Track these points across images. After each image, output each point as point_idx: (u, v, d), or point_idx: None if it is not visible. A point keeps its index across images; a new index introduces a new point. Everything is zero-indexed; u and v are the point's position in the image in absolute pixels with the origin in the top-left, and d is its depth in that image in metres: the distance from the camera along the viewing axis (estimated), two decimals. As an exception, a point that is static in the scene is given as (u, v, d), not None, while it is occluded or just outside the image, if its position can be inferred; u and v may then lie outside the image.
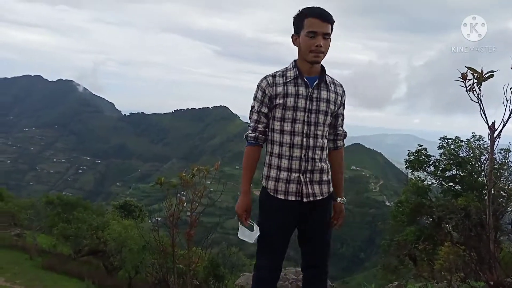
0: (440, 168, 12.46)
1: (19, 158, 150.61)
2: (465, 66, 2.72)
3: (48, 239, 24.81)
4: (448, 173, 12.42)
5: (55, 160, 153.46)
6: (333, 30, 2.34)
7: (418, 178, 12.66)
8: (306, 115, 2.32)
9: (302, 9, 2.31)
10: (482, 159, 11.65)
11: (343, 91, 2.47)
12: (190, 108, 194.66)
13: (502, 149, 11.13)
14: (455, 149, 12.20)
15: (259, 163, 2.51)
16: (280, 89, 2.34)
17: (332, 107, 2.38)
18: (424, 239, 11.08)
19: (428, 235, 11.24)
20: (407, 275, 10.85)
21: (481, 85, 2.88)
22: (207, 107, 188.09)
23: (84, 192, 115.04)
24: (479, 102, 2.80)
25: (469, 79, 2.89)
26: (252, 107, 2.43)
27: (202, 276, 9.37)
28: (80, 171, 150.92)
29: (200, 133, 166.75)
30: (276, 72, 2.40)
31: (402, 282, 3.28)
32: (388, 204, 76.90)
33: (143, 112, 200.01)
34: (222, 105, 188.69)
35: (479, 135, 11.80)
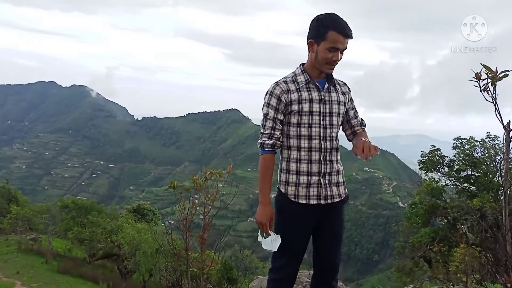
0: (455, 169, 12.30)
1: (35, 163, 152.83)
2: (481, 64, 2.69)
3: (63, 243, 25.10)
4: (462, 174, 12.25)
5: (69, 164, 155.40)
6: None
7: (432, 179, 12.51)
8: (321, 118, 2.37)
9: (326, 19, 2.27)
10: (497, 159, 11.48)
11: (348, 88, 2.56)
12: (201, 111, 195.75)
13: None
14: (470, 149, 12.03)
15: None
16: (294, 95, 2.36)
17: (342, 108, 2.46)
18: (439, 240, 10.94)
19: (443, 236, 11.10)
20: (422, 277, 10.73)
21: (495, 84, 2.84)
22: (219, 111, 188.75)
23: (98, 196, 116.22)
24: (494, 102, 2.77)
25: (483, 79, 2.85)
26: (266, 114, 2.41)
27: (215, 279, 9.38)
28: (94, 175, 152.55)
29: (212, 136, 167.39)
30: (286, 78, 2.41)
31: (417, 285, 3.23)
32: (402, 205, 76.17)
33: (155, 116, 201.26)
34: (234, 108, 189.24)
35: (494, 135, 11.63)
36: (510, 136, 2.79)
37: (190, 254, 5.33)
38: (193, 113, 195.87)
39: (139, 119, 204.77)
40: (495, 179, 11.24)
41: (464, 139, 12.30)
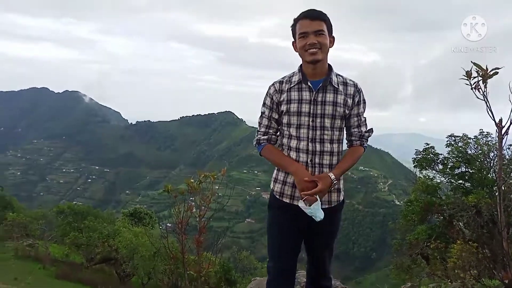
0: (449, 166, 12.37)
1: (29, 169, 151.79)
2: (471, 62, 2.71)
3: (61, 249, 24.99)
4: (457, 171, 12.32)
5: (64, 170, 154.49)
6: (332, 28, 2.31)
7: (427, 177, 12.58)
8: (311, 119, 2.28)
9: (294, 18, 2.33)
10: (491, 156, 11.56)
11: (357, 90, 2.35)
12: (196, 114, 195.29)
13: (510, 145, 11.04)
14: (463, 146, 12.10)
15: (269, 165, 2.48)
16: (284, 95, 2.32)
17: (340, 109, 2.29)
18: (436, 237, 11.00)
19: (439, 233, 11.16)
20: (420, 274, 10.77)
21: (486, 82, 2.87)
22: (213, 113, 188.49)
23: (94, 201, 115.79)
24: (485, 99, 2.79)
25: (474, 77, 2.87)
26: (262, 112, 2.42)
27: (214, 281, 9.37)
28: (89, 180, 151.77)
29: (207, 139, 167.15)
30: (284, 77, 2.38)
31: (416, 283, 3.25)
32: (398, 203, 76.46)
33: (149, 120, 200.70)
34: (228, 110, 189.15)
35: (487, 132, 11.70)
36: (502, 133, 2.82)
37: (187, 257, 5.32)
38: (187, 116, 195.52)
39: (133, 123, 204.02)
40: (489, 175, 11.32)
41: (457, 136, 12.38)
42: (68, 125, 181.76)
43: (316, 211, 2.22)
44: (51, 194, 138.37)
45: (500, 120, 2.85)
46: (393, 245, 14.33)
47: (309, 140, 2.28)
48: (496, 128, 2.96)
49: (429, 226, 11.98)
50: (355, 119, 2.38)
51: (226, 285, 8.85)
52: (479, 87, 2.90)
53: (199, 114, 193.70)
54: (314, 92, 2.29)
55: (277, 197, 2.35)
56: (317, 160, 2.28)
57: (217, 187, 5.21)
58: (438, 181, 12.67)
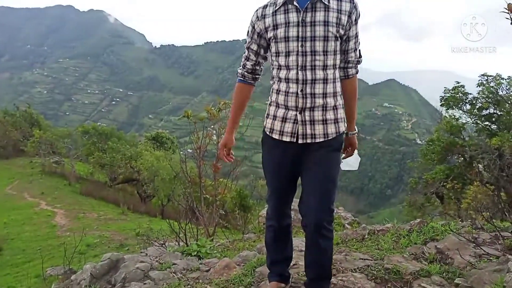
0: (477, 107, 12.00)
1: (55, 88, 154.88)
2: (513, -5, 2.47)
3: (85, 167, 26.10)
4: (485, 112, 11.97)
5: (89, 91, 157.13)
6: None
7: (453, 116, 12.27)
8: (300, 44, 2.00)
9: None
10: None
11: (354, 6, 2.04)
12: (220, 40, 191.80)
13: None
14: (495, 86, 11.63)
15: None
16: (268, 20, 2.06)
17: (333, 29, 2.00)
18: (453, 178, 10.96)
19: (457, 174, 11.10)
20: (433, 213, 10.91)
21: (529, 16, 2.62)
22: (238, 40, 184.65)
23: (117, 123, 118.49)
24: (525, 35, 2.58)
25: (516, 10, 2.63)
26: (245, 42, 2.20)
27: (230, 206, 9.69)
28: (113, 102, 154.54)
29: (231, 67, 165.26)
30: (270, 0, 2.10)
31: (426, 220, 3.26)
32: (420, 142, 75.82)
33: (173, 44, 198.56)
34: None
35: (522, 73, 11.16)
36: (539, 73, 2.63)
37: (204, 181, 5.43)
38: (211, 41, 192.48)
39: (157, 46, 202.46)
40: (518, 118, 10.98)
41: (490, 76, 11.85)
42: (93, 45, 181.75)
43: (355, 163, 2.27)
44: (76, 114, 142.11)
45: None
46: (409, 183, 14.40)
47: (299, 68, 2.02)
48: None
49: (448, 166, 11.90)
50: (353, 41, 2.09)
51: (241, 211, 9.16)
52: (520, 22, 2.65)
53: (224, 40, 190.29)
54: (302, 12, 2.00)
55: (267, 133, 2.16)
56: (308, 90, 2.02)
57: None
58: (464, 121, 12.38)
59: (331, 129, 2.08)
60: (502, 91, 11.59)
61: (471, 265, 2.37)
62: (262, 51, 2.15)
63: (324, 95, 2.05)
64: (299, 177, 2.19)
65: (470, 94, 12.11)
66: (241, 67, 2.22)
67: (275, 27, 2.03)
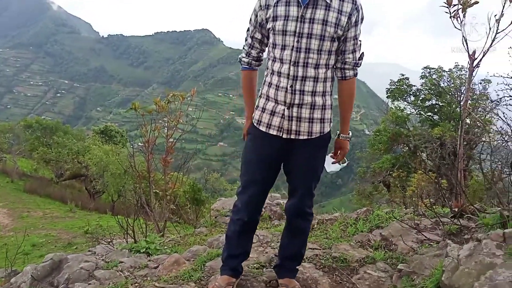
0: (420, 98, 12.55)
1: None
2: (451, -9, 2.58)
3: (29, 163, 24.84)
4: (427, 103, 12.53)
5: (32, 82, 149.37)
6: None
7: (398, 108, 12.76)
8: (296, 40, 2.00)
9: None
10: (462, 90, 11.74)
11: (355, 7, 2.02)
12: (171, 30, 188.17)
13: (482, 80, 11.18)
14: (437, 79, 12.20)
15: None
16: (270, 11, 2.05)
17: (330, 29, 1.99)
18: (399, 167, 11.43)
19: (403, 163, 11.58)
20: (380, 201, 11.33)
21: (465, 11, 2.75)
22: (189, 30, 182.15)
23: (63, 117, 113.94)
24: (462, 29, 2.69)
25: (454, 5, 2.74)
26: (247, 29, 2.19)
27: (182, 200, 9.57)
28: (58, 94, 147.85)
29: (182, 58, 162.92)
30: None
31: (372, 208, 3.37)
32: (368, 133, 78.47)
33: (122, 34, 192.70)
34: (205, 28, 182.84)
35: (462, 65, 11.77)
36: (473, 65, 2.77)
37: (154, 176, 5.32)
38: (162, 32, 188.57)
39: (104, 36, 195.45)
40: (457, 109, 11.57)
41: (433, 68, 12.41)
42: (35, 35, 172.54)
43: (342, 166, 2.33)
44: (18, 107, 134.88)
45: (474, 52, 2.79)
46: (358, 172, 14.88)
47: (291, 63, 2.02)
48: (468, 59, 2.90)
49: (394, 156, 12.40)
50: (352, 42, 2.08)
51: (193, 205, 9.06)
52: (458, 16, 2.77)
53: (174, 31, 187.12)
54: (303, 7, 2.00)
55: (255, 124, 2.17)
56: (297, 87, 2.04)
57: (190, 109, 5.08)
58: (408, 112, 12.90)
59: (316, 128, 2.10)
60: (443, 83, 12.18)
61: (413, 251, 2.47)
62: (265, 40, 2.15)
63: (313, 93, 2.06)
64: (278, 172, 2.23)
65: (414, 86, 12.64)
66: (245, 56, 2.22)
67: (275, 18, 2.02)
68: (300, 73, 2.02)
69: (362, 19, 2.06)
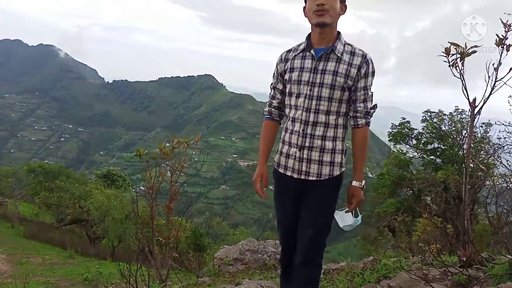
0: (422, 141, 12.58)
1: (0, 125, 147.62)
2: (449, 42, 2.66)
3: (30, 208, 24.66)
4: (429, 147, 12.55)
5: (36, 127, 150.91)
6: None
7: (400, 151, 12.77)
8: (309, 88, 2.21)
9: None
10: (463, 133, 11.79)
11: (365, 61, 2.22)
12: (175, 76, 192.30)
13: (483, 123, 11.24)
14: (438, 122, 12.28)
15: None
16: (288, 64, 2.30)
17: (340, 79, 2.19)
18: (404, 211, 11.28)
19: (407, 207, 11.45)
20: (386, 246, 11.11)
21: (464, 60, 2.82)
22: (192, 76, 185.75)
23: (67, 161, 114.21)
24: (461, 78, 2.76)
25: (453, 54, 2.82)
26: (271, 83, 2.44)
27: (184, 246, 9.43)
28: (62, 139, 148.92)
29: (185, 102, 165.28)
30: (295, 45, 2.36)
31: (378, 257, 3.31)
32: (371, 175, 78.04)
33: (126, 80, 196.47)
34: (208, 73, 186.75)
35: (462, 109, 11.88)
36: (475, 113, 2.81)
37: (156, 222, 5.27)
38: (166, 77, 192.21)
39: (109, 82, 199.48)
40: (460, 152, 11.57)
41: (433, 112, 12.53)
42: (41, 81, 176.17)
43: (354, 225, 2.34)
44: (22, 152, 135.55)
45: (474, 100, 2.84)
46: (362, 216, 14.67)
47: (304, 109, 2.23)
48: (469, 107, 2.95)
49: (398, 199, 12.27)
50: (362, 92, 2.25)
51: (195, 251, 8.92)
52: (456, 64, 2.85)
53: (178, 76, 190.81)
54: (316, 60, 2.22)
55: (275, 167, 2.38)
56: (309, 131, 2.23)
57: (193, 152, 5.12)
58: (411, 156, 12.90)
59: (325, 170, 2.25)
60: (444, 127, 12.24)
61: (423, 303, 2.40)
62: (285, 90, 2.34)
63: (323, 138, 2.24)
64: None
65: (416, 129, 12.70)
66: (267, 106, 2.45)
67: (292, 70, 2.27)
68: (311, 119, 2.22)
69: (373, 72, 2.27)
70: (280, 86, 2.38)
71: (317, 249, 2.28)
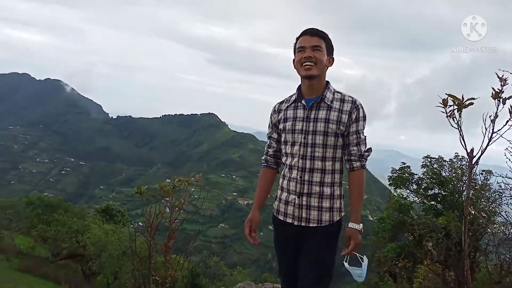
0: (423, 187, 12.56)
1: (1, 156, 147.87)
2: (446, 94, 2.77)
3: (27, 241, 24.35)
4: (430, 192, 12.51)
5: (38, 160, 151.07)
6: (333, 49, 2.35)
7: (401, 195, 12.73)
8: (303, 136, 2.28)
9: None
10: (463, 179, 11.79)
11: (355, 106, 2.28)
12: (178, 113, 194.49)
13: (483, 170, 11.26)
14: (438, 168, 12.30)
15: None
16: (281, 114, 2.39)
17: (332, 126, 2.25)
18: (405, 256, 11.12)
19: (408, 252, 11.29)
20: (386, 293, 10.87)
21: (461, 111, 2.91)
22: (195, 114, 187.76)
23: (66, 194, 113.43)
24: (459, 128, 2.84)
25: (450, 105, 2.92)
26: (267, 132, 2.53)
27: (181, 285, 9.27)
28: (63, 172, 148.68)
29: (187, 139, 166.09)
30: (287, 97, 2.45)
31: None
32: (371, 219, 77.22)
33: (130, 116, 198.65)
34: (211, 112, 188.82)
35: (462, 156, 11.92)
36: (473, 163, 2.87)
37: (154, 260, 5.24)
38: (169, 114, 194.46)
39: (113, 117, 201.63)
40: (460, 198, 11.54)
41: (433, 158, 12.58)
42: (46, 114, 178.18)
43: (364, 271, 2.31)
44: (22, 184, 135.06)
45: (472, 150, 2.90)
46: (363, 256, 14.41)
47: (300, 157, 2.28)
48: (467, 156, 3.01)
49: (399, 244, 12.11)
50: (354, 136, 2.31)
51: (192, 291, 8.77)
52: (454, 115, 2.94)
53: (182, 114, 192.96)
54: (307, 110, 2.30)
55: (274, 214, 2.41)
56: (306, 177, 2.27)
57: (193, 190, 5.16)
58: (411, 200, 12.83)
59: (325, 216, 2.28)
60: (445, 173, 12.25)
61: None
62: (281, 139, 2.43)
63: (321, 184, 2.28)
64: None
65: (416, 174, 12.71)
66: (264, 154, 2.53)
67: (285, 120, 2.36)
68: (308, 165, 2.26)
69: (364, 117, 2.34)
70: (275, 136, 2.46)
71: None
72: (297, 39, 2.33)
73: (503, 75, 2.71)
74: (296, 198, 2.29)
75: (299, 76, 2.36)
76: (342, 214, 2.36)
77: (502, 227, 6.24)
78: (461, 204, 11.35)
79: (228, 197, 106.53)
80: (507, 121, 2.72)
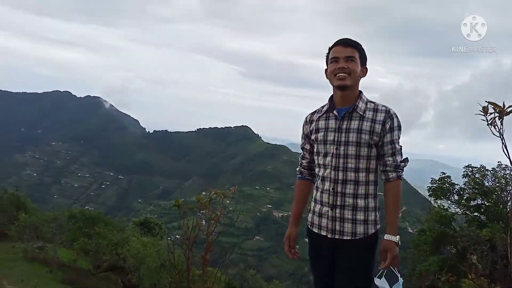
0: (465, 197, 12.13)
1: (45, 171, 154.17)
2: (486, 101, 2.69)
3: (69, 253, 25.10)
4: (472, 203, 12.07)
5: (79, 174, 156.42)
6: (367, 60, 2.33)
7: (442, 207, 12.34)
8: (335, 147, 2.25)
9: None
10: (508, 189, 11.32)
11: (389, 116, 2.23)
12: (212, 127, 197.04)
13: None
14: (480, 178, 11.87)
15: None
16: (313, 125, 2.37)
17: (365, 136, 2.21)
18: (447, 270, 10.74)
19: (451, 265, 10.89)
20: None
21: (503, 119, 2.82)
22: (229, 127, 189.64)
23: (106, 207, 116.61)
24: (501, 137, 2.74)
25: (491, 113, 2.83)
26: (300, 143, 2.52)
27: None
28: (103, 186, 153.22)
29: (222, 152, 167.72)
30: (318, 108, 2.44)
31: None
32: (411, 231, 74.96)
33: (166, 130, 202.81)
34: (244, 125, 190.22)
35: (505, 165, 11.47)
36: (517, 173, 2.77)
37: (192, 272, 5.29)
38: (204, 128, 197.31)
39: (150, 132, 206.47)
40: (505, 209, 11.07)
41: (475, 167, 12.15)
42: (86, 130, 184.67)
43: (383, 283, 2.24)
44: (64, 198, 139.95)
45: (516, 159, 2.80)
46: (402, 274, 14.02)
47: (332, 168, 2.25)
48: (510, 165, 2.90)
49: (441, 257, 11.71)
50: (389, 146, 2.26)
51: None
52: (495, 123, 2.85)
53: (216, 127, 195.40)
54: (339, 120, 2.27)
55: (308, 226, 2.38)
56: (339, 189, 2.23)
57: (228, 202, 5.21)
58: (453, 211, 12.42)
59: (360, 229, 2.22)
60: (487, 182, 11.80)
61: None
62: (311, 150, 2.43)
63: (355, 196, 2.23)
64: None
65: (457, 184, 12.31)
66: (299, 166, 2.51)
67: (317, 131, 2.34)
68: (340, 177, 2.22)
69: (399, 126, 2.27)
70: (307, 147, 2.45)
71: None
72: (330, 49, 2.32)
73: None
74: (329, 210, 2.24)
75: (331, 86, 2.35)
76: (378, 226, 2.30)
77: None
78: (505, 214, 10.88)
79: (263, 209, 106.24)
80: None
